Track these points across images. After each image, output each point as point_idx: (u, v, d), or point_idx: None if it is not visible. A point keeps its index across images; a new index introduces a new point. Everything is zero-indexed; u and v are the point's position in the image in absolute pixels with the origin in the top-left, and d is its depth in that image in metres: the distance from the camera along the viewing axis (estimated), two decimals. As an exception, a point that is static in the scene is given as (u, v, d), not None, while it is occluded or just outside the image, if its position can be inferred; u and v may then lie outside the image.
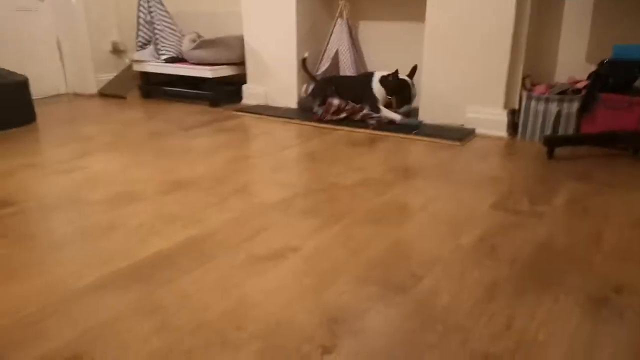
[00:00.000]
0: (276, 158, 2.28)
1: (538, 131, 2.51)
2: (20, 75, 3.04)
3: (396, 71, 2.77)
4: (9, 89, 2.88)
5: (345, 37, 3.16)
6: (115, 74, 4.06)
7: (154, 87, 3.86)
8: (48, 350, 0.98)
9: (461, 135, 2.54)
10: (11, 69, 3.14)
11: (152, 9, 3.67)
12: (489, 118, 2.62)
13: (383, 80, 2.82)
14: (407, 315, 1.09)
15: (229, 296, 1.17)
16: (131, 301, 1.15)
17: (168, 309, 1.12)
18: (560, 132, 2.46)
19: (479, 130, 2.65)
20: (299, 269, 1.30)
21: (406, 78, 2.80)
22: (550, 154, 2.25)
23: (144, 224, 1.56)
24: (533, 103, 2.49)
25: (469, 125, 2.68)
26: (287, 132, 2.78)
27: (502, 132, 2.60)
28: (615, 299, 1.15)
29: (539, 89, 2.52)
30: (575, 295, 1.16)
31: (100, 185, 1.93)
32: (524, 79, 2.60)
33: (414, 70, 2.81)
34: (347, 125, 2.81)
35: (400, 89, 2.79)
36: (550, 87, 2.54)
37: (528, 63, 2.63)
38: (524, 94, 2.53)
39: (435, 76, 2.73)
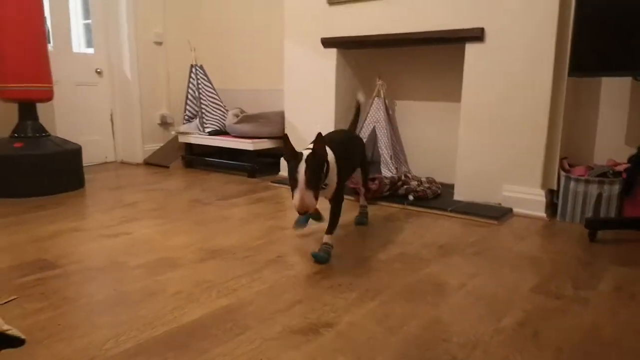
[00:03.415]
0: (310, 230, 2.31)
1: (579, 213, 2.46)
2: (74, 143, 3.24)
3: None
4: (63, 156, 3.07)
5: (382, 115, 3.27)
6: (161, 144, 4.28)
7: (196, 158, 4.03)
8: (82, 417, 0.98)
9: (498, 213, 2.52)
10: (66, 138, 3.36)
11: (200, 86, 3.92)
12: (527, 198, 2.59)
13: None
14: (447, 402, 1.04)
15: (263, 370, 1.15)
16: (166, 370, 1.14)
17: (201, 380, 1.11)
18: (602, 214, 2.41)
19: (517, 210, 2.62)
20: (334, 345, 1.27)
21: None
22: (593, 237, 2.19)
23: (182, 291, 1.58)
24: (572, 184, 2.47)
25: (506, 204, 2.66)
26: (322, 204, 2.81)
27: (541, 212, 2.56)
28: (674, 396, 1.07)
29: (578, 171, 2.51)
30: (629, 389, 1.09)
31: (142, 251, 1.98)
32: (561, 159, 2.59)
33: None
34: (382, 199, 2.83)
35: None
36: (590, 168, 2.52)
37: (565, 144, 2.64)
38: (563, 175, 2.52)
39: (471, 154, 2.76)
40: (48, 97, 3.08)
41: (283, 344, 1.27)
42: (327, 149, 1.78)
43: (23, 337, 0.67)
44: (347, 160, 1.99)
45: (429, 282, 1.70)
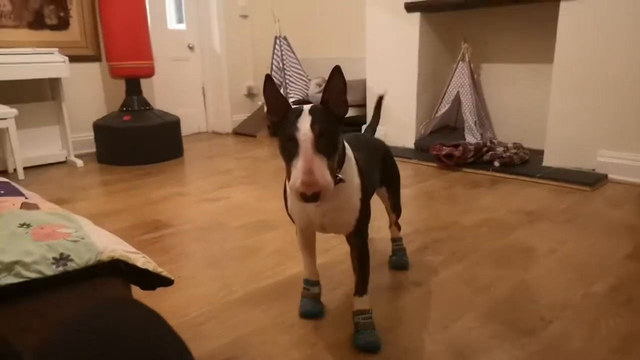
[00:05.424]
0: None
1: (684, 179, 2.31)
2: (173, 115, 3.52)
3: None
4: (166, 127, 3.36)
5: (466, 79, 3.21)
6: (248, 115, 4.50)
7: (281, 127, 4.20)
8: (208, 351, 1.15)
9: (592, 180, 2.42)
10: (165, 110, 3.65)
11: (284, 57, 4.05)
12: (625, 163, 2.47)
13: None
14: (536, 357, 1.09)
15: (358, 321, 1.27)
16: (273, 316, 1.29)
17: (304, 326, 1.24)
18: None
19: (612, 176, 2.50)
20: (422, 302, 1.36)
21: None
22: (699, 204, 2.06)
23: (279, 250, 1.74)
24: (677, 148, 2.31)
25: (600, 171, 2.54)
26: (405, 171, 2.86)
27: (640, 178, 2.43)
28: None
29: (685, 134, 2.34)
30: None
31: (240, 214, 2.17)
32: (666, 122, 2.43)
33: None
34: (465, 165, 2.82)
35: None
36: (699, 131, 2.34)
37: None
38: (667, 138, 2.36)
39: (563, 118, 2.65)
40: (150, 73, 3.35)
41: (375, 298, 1.37)
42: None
43: (172, 277, 0.82)
44: (366, 168, 1.20)
45: (516, 247, 1.72)
